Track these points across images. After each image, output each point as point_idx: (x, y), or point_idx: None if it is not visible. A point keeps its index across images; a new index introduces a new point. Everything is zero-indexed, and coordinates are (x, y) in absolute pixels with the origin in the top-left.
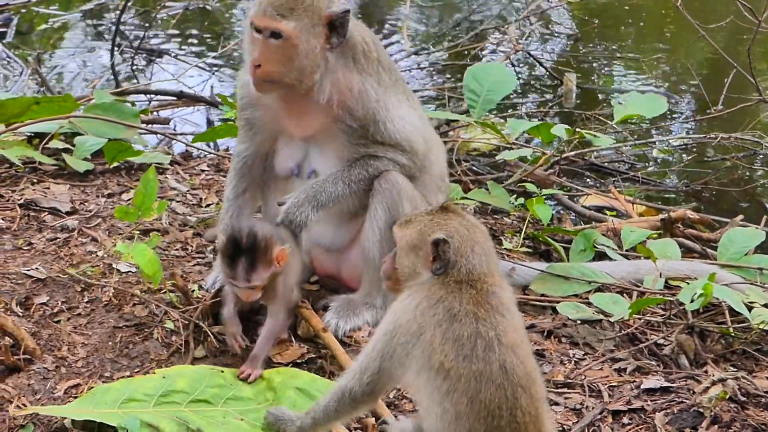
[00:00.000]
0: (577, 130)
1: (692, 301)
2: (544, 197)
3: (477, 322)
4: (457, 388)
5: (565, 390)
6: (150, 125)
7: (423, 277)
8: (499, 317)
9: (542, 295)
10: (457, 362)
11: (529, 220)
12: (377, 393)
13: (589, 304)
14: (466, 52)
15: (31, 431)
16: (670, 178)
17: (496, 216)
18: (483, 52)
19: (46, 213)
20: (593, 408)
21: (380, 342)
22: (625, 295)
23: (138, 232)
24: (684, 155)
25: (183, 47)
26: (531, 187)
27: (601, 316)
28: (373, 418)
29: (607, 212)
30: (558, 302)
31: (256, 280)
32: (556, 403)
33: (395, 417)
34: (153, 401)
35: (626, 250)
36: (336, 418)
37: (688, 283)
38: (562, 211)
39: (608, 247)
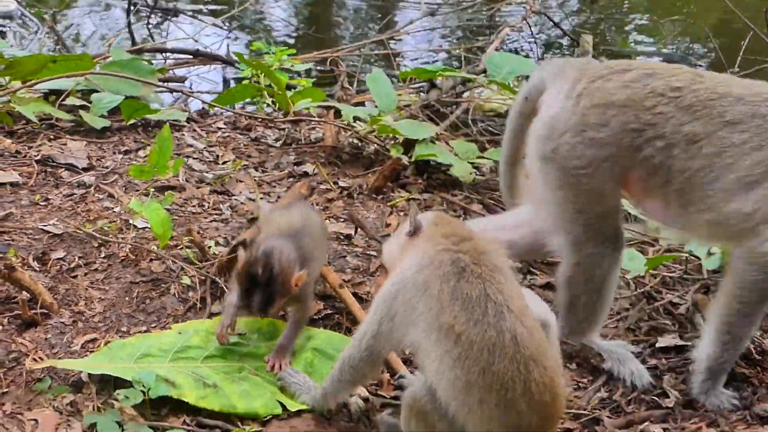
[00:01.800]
0: None
1: (708, 255)
2: None
3: (483, 282)
4: (468, 356)
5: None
6: (166, 83)
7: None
8: (502, 278)
9: None
10: (469, 327)
11: None
12: (377, 359)
13: None
14: (484, 10)
15: (48, 385)
16: None
17: None
18: (500, 12)
19: (63, 169)
20: (608, 366)
21: (381, 305)
22: (641, 251)
23: (153, 189)
24: None
25: (199, 5)
26: None
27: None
28: (389, 374)
29: None
30: None
31: (272, 310)
32: (570, 362)
33: (411, 372)
34: (169, 356)
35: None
36: (342, 388)
37: None
38: None
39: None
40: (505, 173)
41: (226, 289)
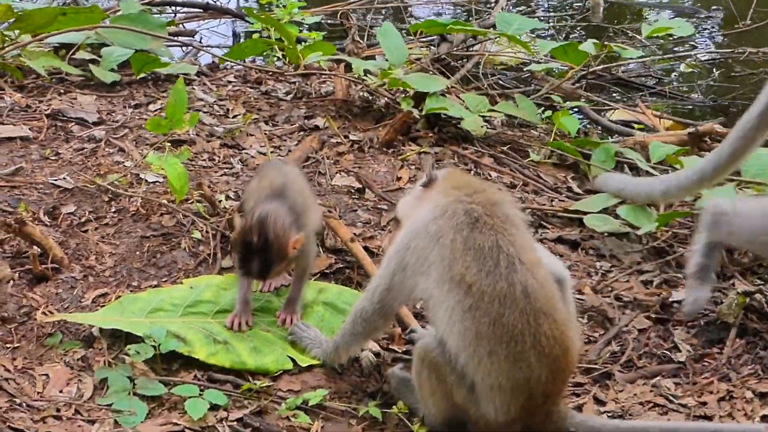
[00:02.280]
0: (605, 43)
1: None
2: (570, 109)
3: (496, 234)
4: (479, 306)
5: (592, 303)
6: (176, 37)
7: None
8: (514, 230)
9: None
10: (480, 277)
11: (556, 133)
12: (389, 311)
13: (617, 216)
14: None
15: (59, 339)
16: (698, 93)
17: (523, 129)
18: None
19: (73, 123)
20: (619, 320)
21: (393, 258)
22: (653, 208)
23: (166, 144)
24: (712, 70)
25: None
26: (558, 100)
27: (628, 229)
28: (400, 328)
29: (635, 126)
30: (585, 214)
31: (272, 275)
32: (583, 315)
33: (423, 327)
34: (180, 311)
35: (654, 164)
36: (354, 341)
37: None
38: (589, 125)
39: (638, 160)
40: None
41: None
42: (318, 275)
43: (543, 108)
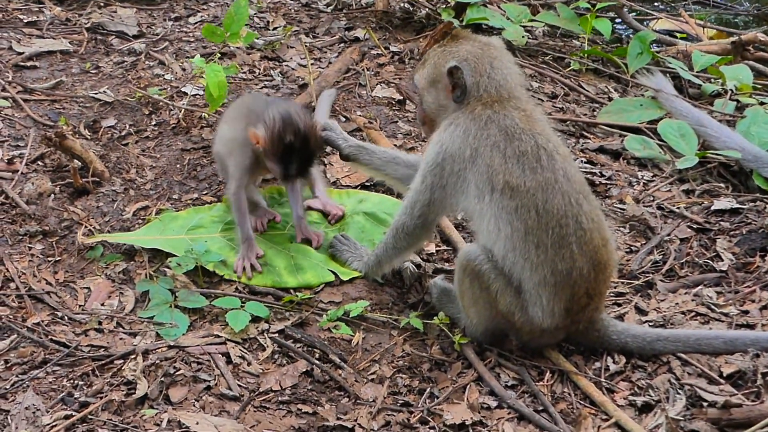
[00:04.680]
0: None
1: None
2: (610, 18)
3: (534, 137)
4: (525, 203)
5: (633, 212)
6: None
7: (450, 109)
8: (547, 128)
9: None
10: (524, 176)
11: (597, 42)
12: (430, 225)
13: (655, 132)
14: None
15: (100, 253)
16: (741, 2)
17: (565, 39)
18: None
19: (113, 36)
20: (661, 230)
21: (429, 174)
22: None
23: (208, 55)
24: None
25: None
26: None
27: (668, 158)
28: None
29: (678, 36)
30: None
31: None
32: (624, 225)
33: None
34: (220, 228)
35: (697, 72)
36: (396, 254)
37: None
38: (631, 36)
39: (681, 68)
40: None
41: None
42: (359, 186)
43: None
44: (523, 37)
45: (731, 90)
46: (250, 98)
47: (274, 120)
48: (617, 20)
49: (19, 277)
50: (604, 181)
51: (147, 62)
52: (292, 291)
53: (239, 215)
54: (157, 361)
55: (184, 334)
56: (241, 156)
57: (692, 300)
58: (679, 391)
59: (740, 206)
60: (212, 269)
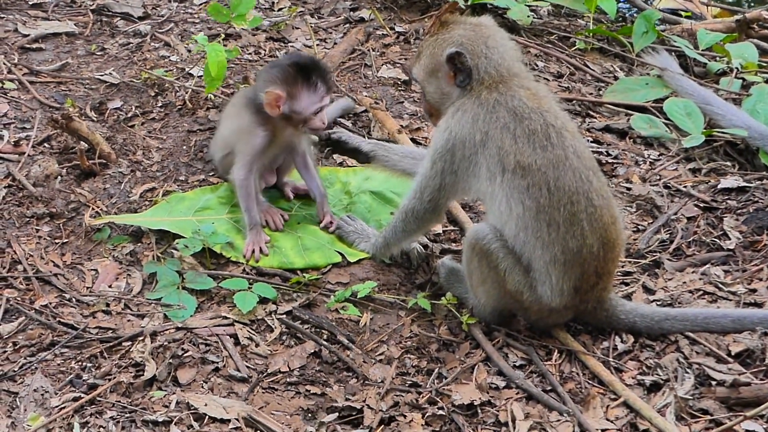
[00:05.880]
0: None
1: None
2: None
3: (543, 115)
4: (536, 182)
5: (640, 191)
6: None
7: (454, 96)
8: (554, 105)
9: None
10: (535, 155)
11: (602, 21)
12: (440, 209)
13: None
14: None
15: (108, 234)
16: None
17: (570, 18)
18: None
19: (119, 18)
20: (668, 208)
21: (439, 160)
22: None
23: (210, 36)
24: None
25: None
26: None
27: (674, 137)
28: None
29: (682, 14)
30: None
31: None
32: (631, 204)
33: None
34: (227, 209)
35: (702, 51)
36: (405, 237)
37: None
38: (636, 14)
39: (686, 47)
40: None
41: None
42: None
43: None
44: (528, 16)
45: (737, 68)
46: (241, 91)
47: (278, 69)
48: None
49: (27, 259)
50: (610, 161)
51: (152, 44)
52: (299, 272)
53: (248, 200)
54: (165, 343)
55: (191, 316)
56: (251, 140)
57: (699, 279)
58: (688, 370)
59: (747, 185)
60: (219, 251)
